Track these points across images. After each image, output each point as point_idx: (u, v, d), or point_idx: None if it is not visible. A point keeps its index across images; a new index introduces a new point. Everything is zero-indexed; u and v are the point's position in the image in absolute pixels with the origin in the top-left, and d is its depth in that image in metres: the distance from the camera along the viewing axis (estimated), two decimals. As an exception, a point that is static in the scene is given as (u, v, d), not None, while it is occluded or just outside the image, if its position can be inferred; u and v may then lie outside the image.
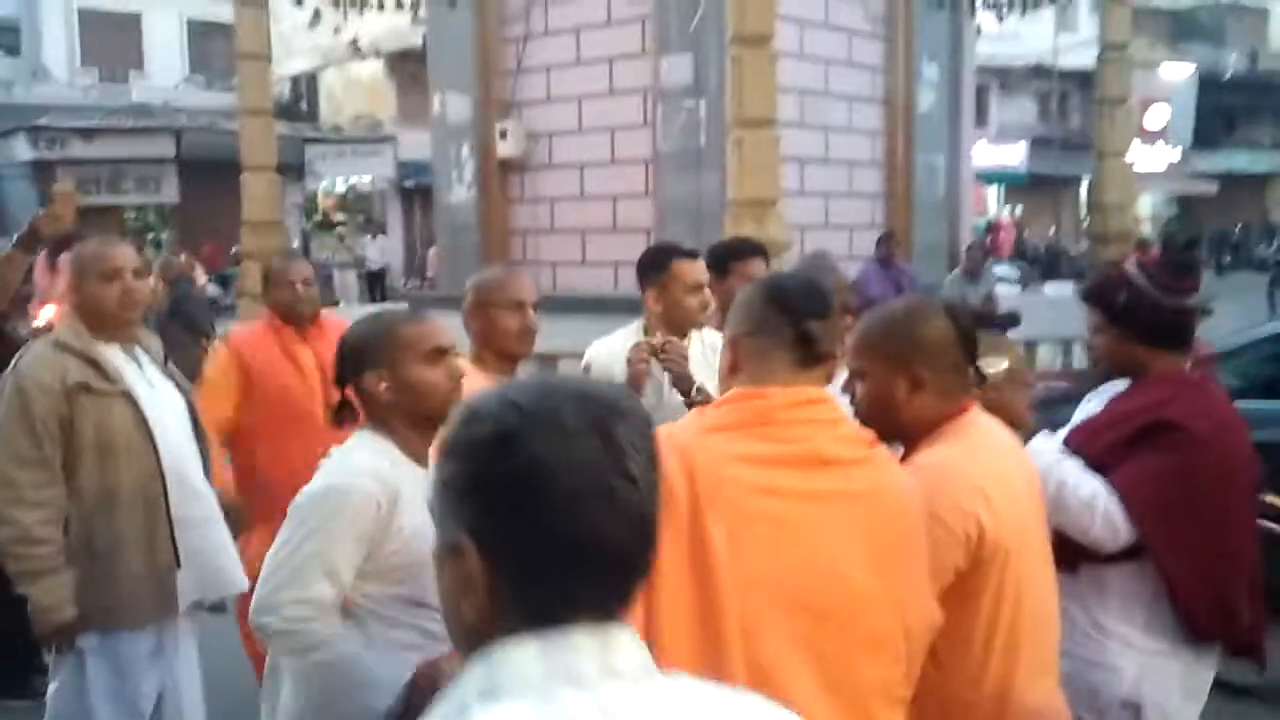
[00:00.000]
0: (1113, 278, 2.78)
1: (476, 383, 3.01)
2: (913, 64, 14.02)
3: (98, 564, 3.06)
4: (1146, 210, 28.41)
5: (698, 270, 3.67)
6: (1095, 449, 2.63)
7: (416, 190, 24.56)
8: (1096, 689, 2.54)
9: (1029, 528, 2.14)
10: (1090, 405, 2.92)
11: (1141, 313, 2.67)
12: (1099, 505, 2.52)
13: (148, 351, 3.38)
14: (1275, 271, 22.18)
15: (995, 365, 2.38)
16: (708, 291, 3.64)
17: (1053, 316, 12.43)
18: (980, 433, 2.18)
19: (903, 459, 2.19)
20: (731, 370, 1.84)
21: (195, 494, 3.29)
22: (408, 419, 2.39)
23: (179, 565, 3.21)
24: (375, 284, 22.11)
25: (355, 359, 2.41)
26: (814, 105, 12.81)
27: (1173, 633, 2.59)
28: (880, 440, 2.28)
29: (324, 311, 4.50)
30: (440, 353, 2.42)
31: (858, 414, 2.23)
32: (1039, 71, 32.44)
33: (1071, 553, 2.41)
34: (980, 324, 2.34)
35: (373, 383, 2.38)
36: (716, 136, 11.40)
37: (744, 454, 1.70)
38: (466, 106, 13.99)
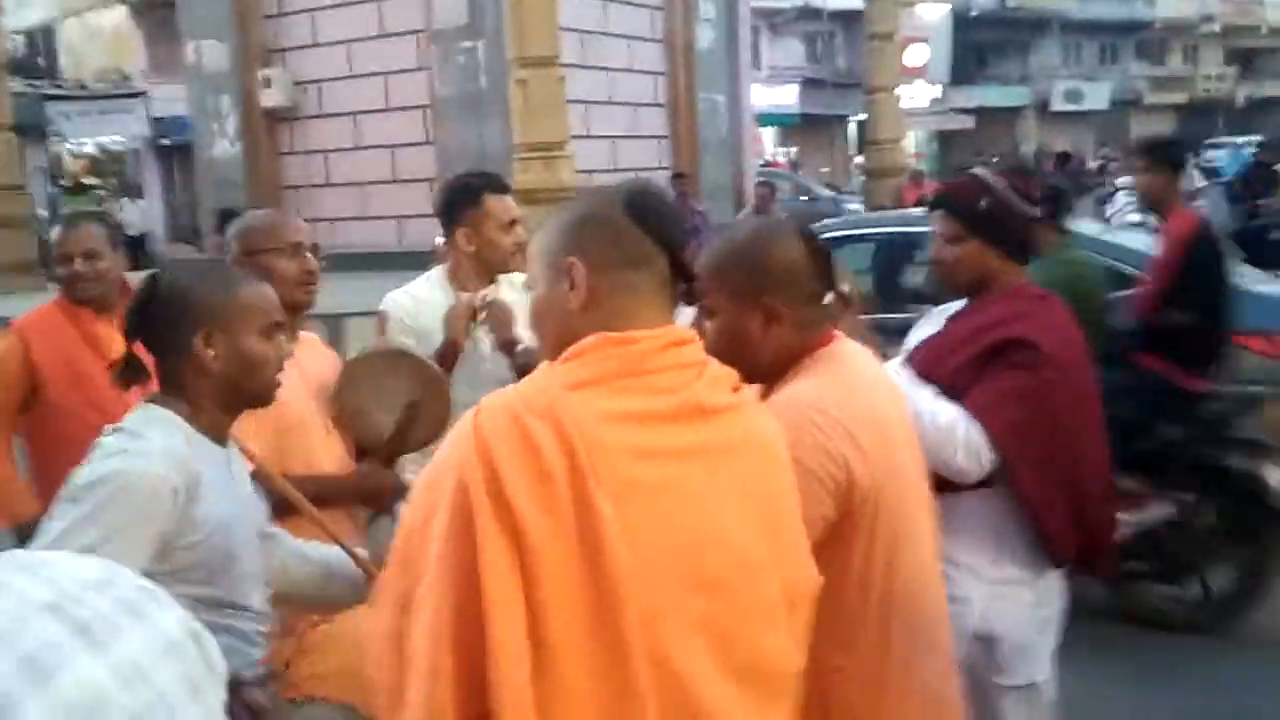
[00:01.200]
0: (968, 184, 2.62)
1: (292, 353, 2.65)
2: (690, 2, 13.94)
3: None
4: (912, 146, 29.53)
5: (513, 205, 3.34)
6: (942, 372, 2.48)
7: (175, 148, 23.03)
8: (949, 622, 2.43)
9: (904, 469, 1.95)
10: (925, 329, 2.78)
11: (1004, 219, 2.54)
12: (959, 432, 2.37)
13: None
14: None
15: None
16: (521, 229, 3.29)
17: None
18: (845, 365, 1.96)
19: (760, 399, 1.97)
20: (585, 307, 1.48)
21: None
22: (223, 394, 2.00)
23: None
24: (137, 251, 20.69)
25: (177, 313, 1.98)
26: (595, 45, 12.56)
27: (1021, 560, 2.49)
28: (745, 381, 2.07)
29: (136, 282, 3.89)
30: (278, 327, 2.07)
31: (712, 355, 2.01)
32: (806, 13, 33.13)
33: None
34: None
35: (199, 345, 1.96)
36: (497, 79, 11.01)
37: (620, 411, 1.42)
38: (224, 54, 13.09)
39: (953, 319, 2.64)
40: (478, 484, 1.37)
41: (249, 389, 2.04)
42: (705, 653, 1.40)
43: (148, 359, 2.08)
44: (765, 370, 1.96)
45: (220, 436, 2.05)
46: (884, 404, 1.97)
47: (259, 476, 2.28)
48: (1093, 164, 23.78)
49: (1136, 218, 8.69)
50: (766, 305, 1.92)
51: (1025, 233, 2.58)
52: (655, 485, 1.41)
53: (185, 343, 1.97)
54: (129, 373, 2.06)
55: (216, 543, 1.94)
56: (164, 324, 2.00)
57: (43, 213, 20.74)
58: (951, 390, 2.44)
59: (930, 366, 2.52)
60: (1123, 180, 12.59)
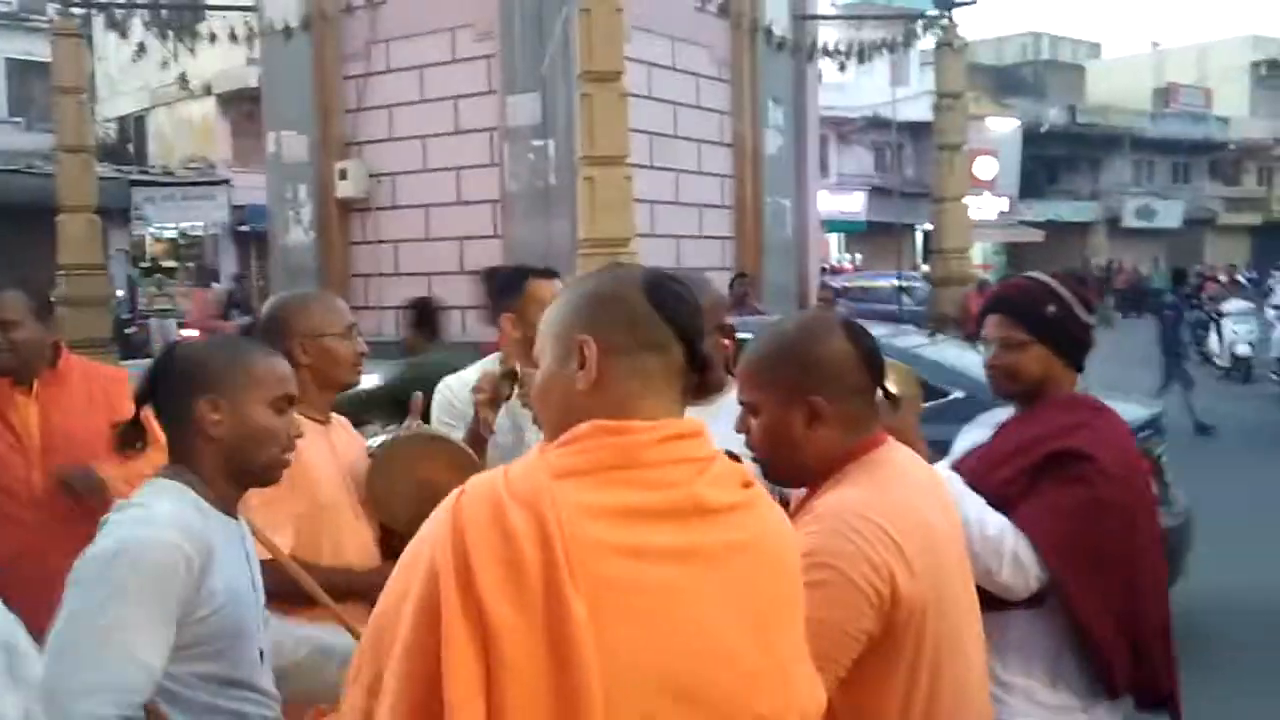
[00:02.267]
0: (1032, 288, 2.55)
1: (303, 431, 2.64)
2: (759, 108, 14.12)
3: None
4: (978, 258, 29.45)
5: (556, 290, 3.35)
6: (993, 482, 2.38)
7: (252, 235, 23.67)
8: None
9: (951, 581, 1.86)
10: (973, 434, 2.69)
11: (1069, 326, 2.47)
12: (1007, 545, 2.26)
13: None
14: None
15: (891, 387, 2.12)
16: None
17: (894, 357, 12.56)
18: (893, 471, 1.88)
19: (802, 504, 1.91)
20: (592, 389, 1.42)
21: None
22: (230, 465, 1.98)
23: None
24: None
25: (187, 379, 1.98)
26: (664, 147, 12.74)
27: (1080, 686, 2.36)
28: (788, 483, 2.01)
29: (77, 359, 3.67)
30: (289, 401, 2.05)
31: (755, 459, 1.95)
32: (875, 122, 33.43)
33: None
34: None
35: (205, 411, 1.94)
36: (566, 176, 11.19)
37: (605, 506, 1.35)
38: (304, 146, 13.46)
39: (1005, 426, 2.56)
40: (448, 572, 1.31)
41: (254, 461, 2.01)
42: None
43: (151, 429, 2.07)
44: (809, 471, 1.90)
45: (230, 509, 2.02)
46: (933, 514, 1.89)
47: (276, 567, 2.25)
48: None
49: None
50: (811, 403, 1.86)
51: (1086, 340, 2.51)
52: (636, 585, 1.33)
53: (190, 409, 1.95)
54: (130, 436, 2.05)
55: (228, 615, 1.90)
56: (173, 391, 1.99)
57: (121, 293, 21.35)
58: (1001, 501, 2.35)
59: (980, 475, 2.43)
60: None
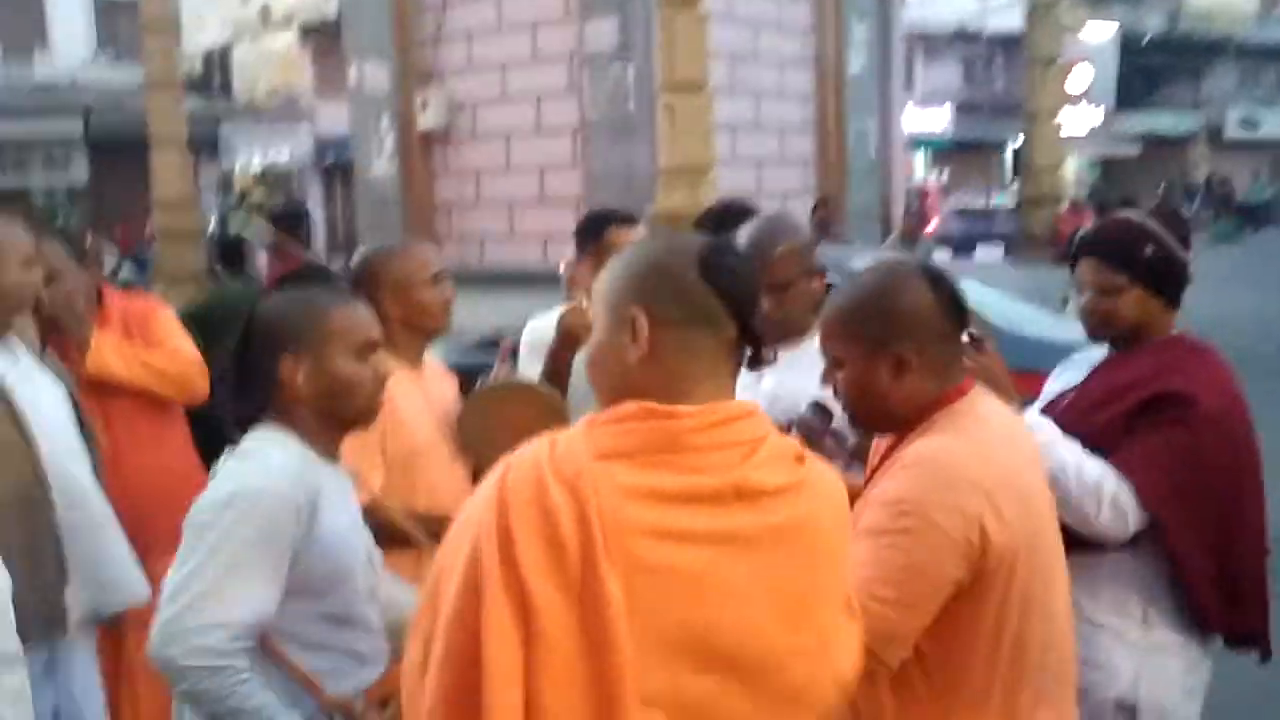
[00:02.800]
0: (1128, 230, 2.48)
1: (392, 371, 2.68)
2: (842, 26, 13.83)
3: None
4: (1070, 173, 28.67)
5: (627, 234, 3.32)
6: (1089, 426, 2.33)
7: (336, 166, 23.95)
8: (1087, 689, 2.28)
9: (1040, 529, 1.85)
10: (1066, 375, 2.64)
11: (1168, 267, 2.40)
12: (1106, 490, 2.21)
13: (21, 340, 3.00)
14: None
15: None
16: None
17: (983, 280, 12.35)
18: (981, 420, 1.86)
19: (889, 451, 1.90)
20: (643, 362, 1.42)
21: (83, 497, 2.92)
22: (322, 416, 2.02)
23: (67, 578, 2.84)
24: (294, 264, 21.50)
25: (270, 338, 2.02)
26: (744, 69, 12.55)
27: (1174, 625, 2.33)
28: (876, 432, 1.99)
29: (116, 293, 3.61)
30: (371, 346, 2.07)
31: (845, 409, 1.93)
32: (963, 35, 32.46)
33: (1064, 539, 2.12)
34: None
35: (289, 370, 1.98)
36: (645, 103, 11.11)
37: (646, 488, 1.36)
38: (385, 77, 13.54)
39: (1098, 370, 2.50)
40: (491, 546, 1.34)
41: (345, 410, 2.04)
42: None
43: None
44: (897, 420, 1.89)
45: (332, 454, 2.07)
46: (1020, 461, 1.88)
47: (373, 509, 2.30)
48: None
49: None
50: (896, 353, 1.84)
51: (1184, 279, 2.44)
52: (672, 568, 1.34)
53: (276, 368, 2.00)
54: (237, 397, 2.10)
55: (336, 557, 1.96)
56: (260, 351, 2.03)
57: (212, 224, 21.82)
58: (1098, 446, 2.30)
59: (1076, 419, 2.38)
60: None
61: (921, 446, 1.81)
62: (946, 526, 1.72)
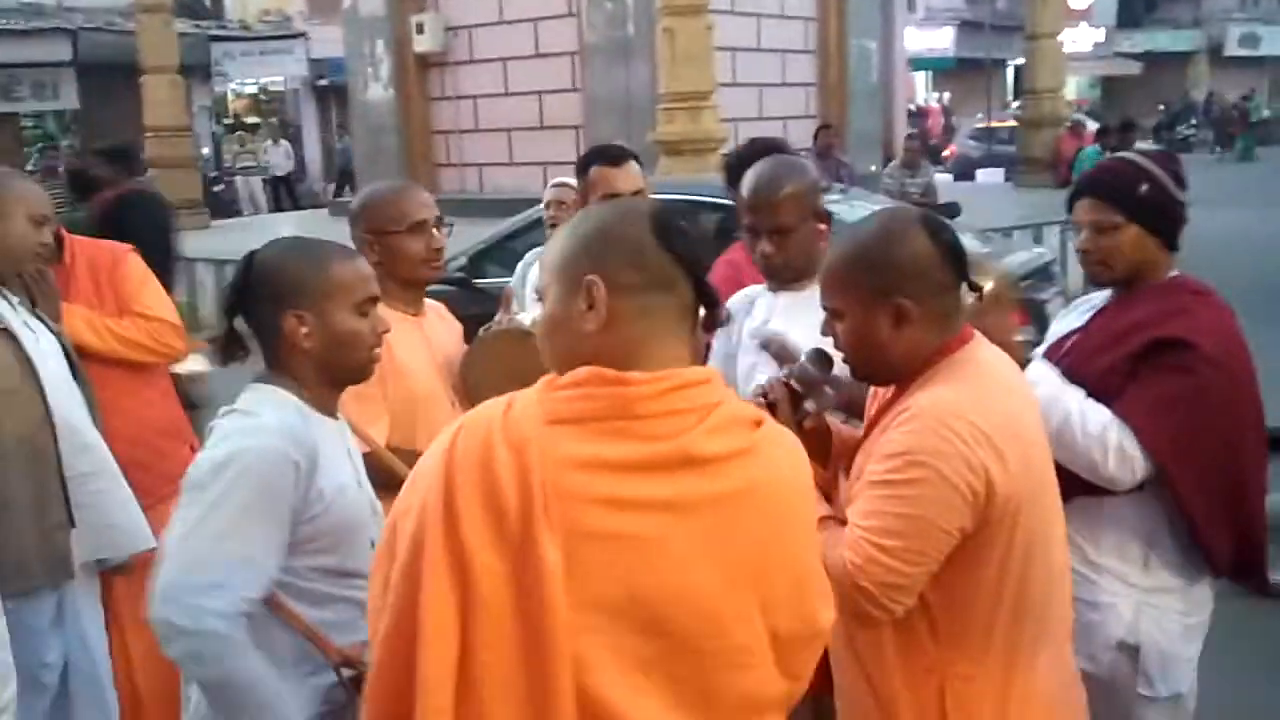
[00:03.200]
0: (1123, 168, 2.46)
1: (386, 319, 2.67)
2: (844, -55, 13.58)
3: None
4: (1071, 92, 28.32)
5: (616, 177, 3.21)
6: (1091, 372, 2.34)
7: (331, 89, 23.62)
8: (1088, 631, 2.33)
9: (1040, 477, 1.88)
10: (1068, 319, 2.64)
11: (1164, 205, 2.40)
12: (1111, 438, 2.23)
13: (14, 291, 2.99)
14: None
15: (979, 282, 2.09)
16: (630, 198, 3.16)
17: (988, 205, 12.31)
18: (984, 369, 1.88)
19: (890, 402, 1.92)
20: (605, 327, 1.42)
21: (85, 445, 2.93)
22: (323, 372, 2.04)
23: (72, 524, 2.86)
24: (281, 190, 21.20)
25: (272, 292, 2.01)
26: (744, -9, 12.36)
27: (1175, 568, 2.37)
28: (877, 383, 2.01)
29: (75, 239, 3.52)
30: (372, 302, 2.08)
31: (845, 360, 1.94)
32: (965, -48, 31.95)
33: (1065, 486, 2.15)
34: None
35: (292, 325, 1.99)
36: (645, 26, 10.95)
37: (592, 457, 1.37)
38: (379, -1, 13.32)
39: (1100, 314, 2.50)
40: (437, 503, 1.36)
41: (345, 365, 2.06)
42: (654, 691, 1.38)
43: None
44: (898, 370, 1.90)
45: (330, 409, 2.08)
46: (1022, 410, 1.90)
47: (375, 459, 2.32)
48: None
49: None
50: (895, 304, 1.85)
51: (1181, 219, 2.43)
52: (614, 534, 1.36)
53: (278, 322, 2.00)
54: (229, 349, 2.10)
55: (337, 512, 1.98)
56: (259, 304, 2.03)
57: (206, 151, 21.57)
58: (1101, 392, 2.32)
59: (1078, 365, 2.40)
60: None
61: (924, 397, 1.83)
62: (953, 477, 1.75)
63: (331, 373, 2.06)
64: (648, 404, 1.40)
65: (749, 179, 2.65)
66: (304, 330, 2.00)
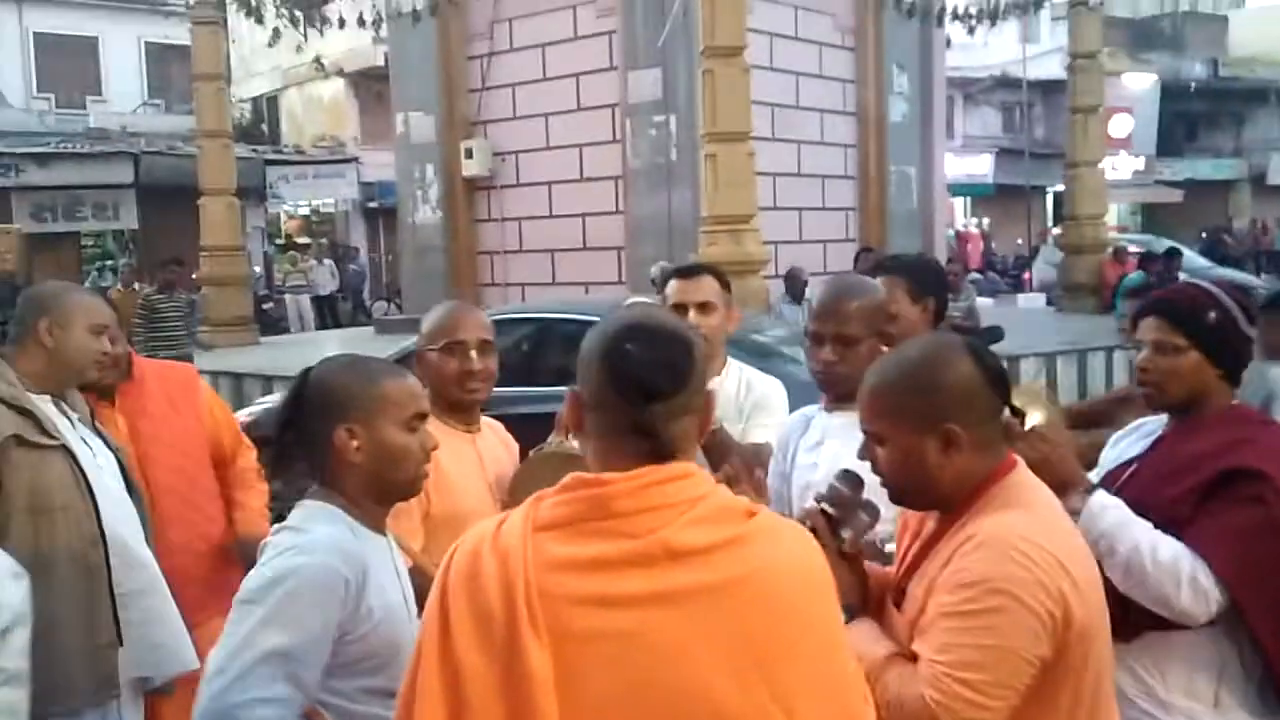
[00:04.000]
0: (1194, 294, 2.43)
1: (436, 435, 2.68)
2: (883, 75, 13.88)
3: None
4: (1113, 219, 28.44)
5: (685, 288, 3.24)
6: (1157, 502, 2.27)
7: (381, 211, 24.20)
8: None
9: (1103, 609, 1.84)
10: (1123, 445, 2.60)
11: (1230, 336, 2.37)
12: (1184, 570, 2.16)
13: (74, 407, 3.05)
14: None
15: (1030, 416, 2.06)
16: (696, 314, 3.11)
17: (1028, 329, 12.28)
18: (1041, 495, 1.86)
19: (940, 530, 1.89)
20: (584, 438, 1.54)
21: (137, 561, 2.94)
22: (372, 487, 2.06)
23: (120, 642, 2.86)
24: (326, 309, 21.60)
25: (325, 407, 2.04)
26: (786, 118, 12.63)
27: (1248, 706, 2.27)
28: (918, 508, 1.98)
29: (145, 361, 3.68)
30: (421, 418, 2.11)
31: (885, 485, 1.91)
32: (1004, 82, 32.43)
33: (1134, 620, 2.09)
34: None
35: (343, 440, 2.01)
36: (688, 152, 11.19)
37: (575, 558, 1.40)
38: (430, 126, 13.72)
39: (1162, 440, 2.46)
40: (432, 617, 1.42)
41: (394, 480, 2.07)
42: None
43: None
44: (944, 497, 1.88)
45: (379, 526, 2.09)
46: (1080, 537, 1.88)
47: (417, 573, 2.32)
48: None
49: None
50: (945, 430, 1.83)
51: (1245, 353, 2.41)
52: (602, 633, 1.37)
53: (329, 436, 2.02)
54: (280, 463, 2.12)
55: (385, 631, 1.97)
56: (312, 418, 2.06)
57: (258, 270, 22.05)
58: (1169, 523, 2.24)
59: (1142, 495, 2.32)
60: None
61: (989, 524, 1.80)
62: (1032, 603, 1.70)
63: (380, 487, 2.07)
64: (623, 501, 1.42)
65: (822, 287, 2.68)
66: (355, 444, 2.03)
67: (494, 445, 2.84)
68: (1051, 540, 1.77)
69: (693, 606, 1.39)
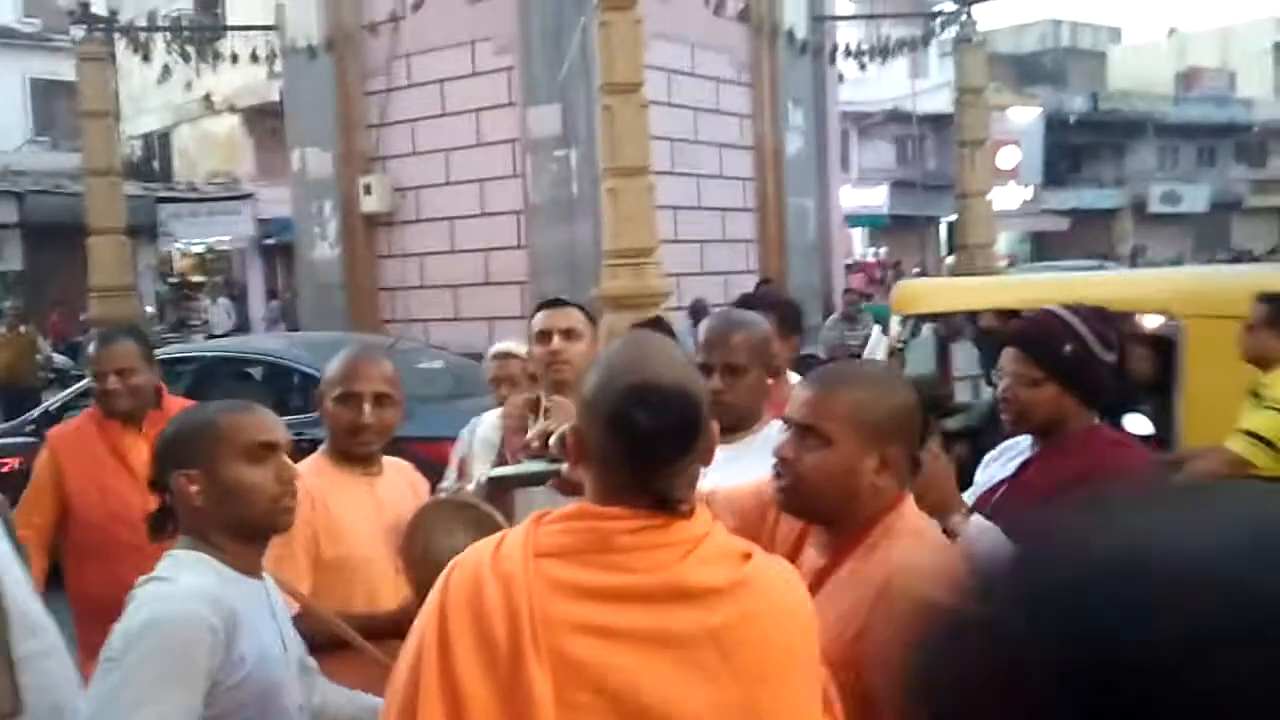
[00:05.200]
0: (1051, 324, 2.52)
1: (328, 478, 2.63)
2: (779, 110, 14.14)
3: None
4: (1003, 247, 29.27)
5: (549, 317, 3.27)
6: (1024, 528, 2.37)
7: (278, 248, 23.82)
8: None
9: None
10: (994, 468, 2.67)
11: (1086, 367, 2.43)
12: None
13: None
14: None
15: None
16: (558, 339, 3.08)
17: (926, 356, 12.54)
18: (928, 523, 1.90)
19: (835, 560, 1.89)
20: (588, 474, 1.50)
21: (39, 626, 2.84)
22: (228, 528, 1.99)
23: (21, 710, 2.74)
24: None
25: (165, 457, 2.00)
26: (685, 152, 12.78)
27: None
28: (810, 518, 1.98)
29: (173, 398, 3.86)
30: (265, 448, 2.01)
31: (797, 484, 1.87)
32: (896, 116, 33.27)
33: None
34: None
35: (182, 486, 1.96)
36: (589, 186, 11.25)
37: (579, 585, 1.39)
38: (327, 162, 13.57)
39: (1030, 466, 2.53)
40: (431, 644, 1.40)
41: (245, 518, 2.00)
42: None
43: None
44: (851, 515, 1.89)
45: (251, 570, 2.04)
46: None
47: (305, 615, 2.27)
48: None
49: None
50: (886, 451, 1.86)
51: (1103, 379, 2.48)
52: (604, 664, 1.37)
53: (176, 484, 1.99)
54: (161, 523, 2.06)
55: (259, 678, 1.92)
56: (161, 471, 2.03)
57: (151, 310, 21.51)
58: None
59: (1011, 520, 2.40)
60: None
61: (905, 560, 1.78)
62: None
63: (236, 527, 2.00)
64: (627, 538, 1.42)
65: (710, 319, 2.71)
66: (193, 489, 1.97)
67: (396, 487, 2.80)
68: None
69: (692, 649, 1.40)
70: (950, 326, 6.46)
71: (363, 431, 2.68)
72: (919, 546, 1.82)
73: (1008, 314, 5.96)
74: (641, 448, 1.43)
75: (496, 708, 1.35)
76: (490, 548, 1.45)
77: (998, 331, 6.12)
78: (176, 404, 3.68)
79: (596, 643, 1.37)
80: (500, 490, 2.77)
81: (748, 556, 1.49)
